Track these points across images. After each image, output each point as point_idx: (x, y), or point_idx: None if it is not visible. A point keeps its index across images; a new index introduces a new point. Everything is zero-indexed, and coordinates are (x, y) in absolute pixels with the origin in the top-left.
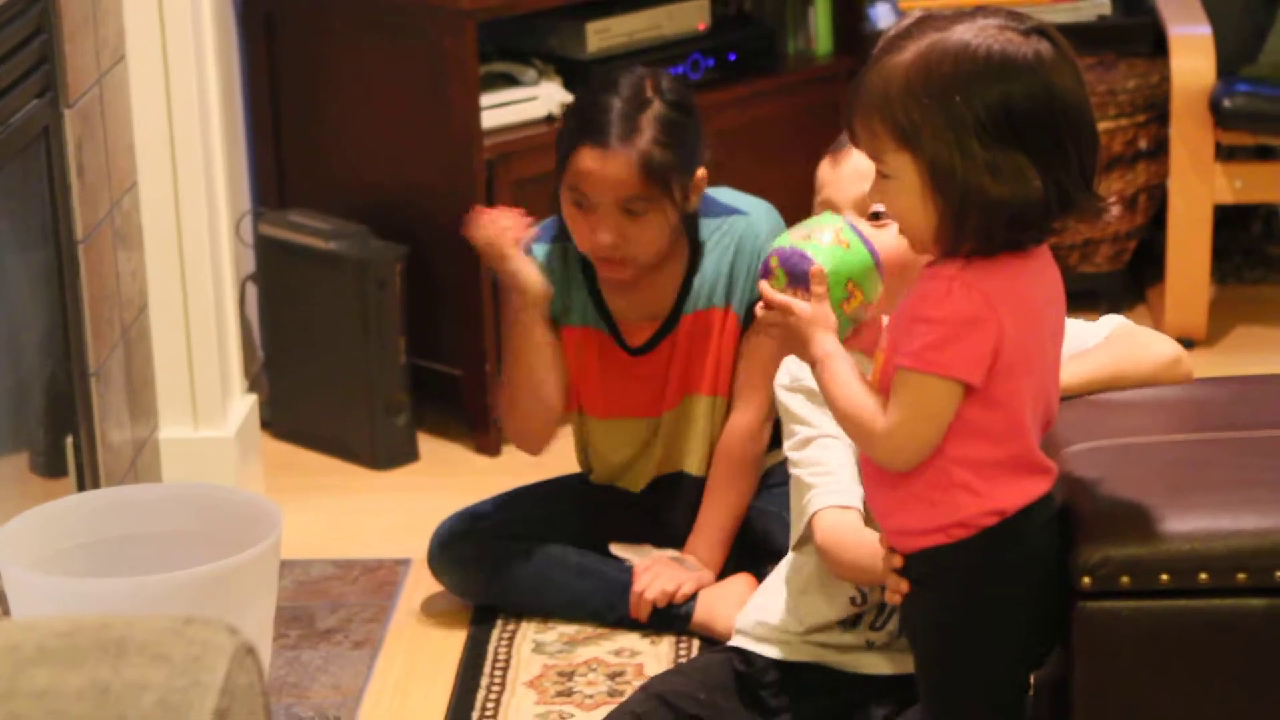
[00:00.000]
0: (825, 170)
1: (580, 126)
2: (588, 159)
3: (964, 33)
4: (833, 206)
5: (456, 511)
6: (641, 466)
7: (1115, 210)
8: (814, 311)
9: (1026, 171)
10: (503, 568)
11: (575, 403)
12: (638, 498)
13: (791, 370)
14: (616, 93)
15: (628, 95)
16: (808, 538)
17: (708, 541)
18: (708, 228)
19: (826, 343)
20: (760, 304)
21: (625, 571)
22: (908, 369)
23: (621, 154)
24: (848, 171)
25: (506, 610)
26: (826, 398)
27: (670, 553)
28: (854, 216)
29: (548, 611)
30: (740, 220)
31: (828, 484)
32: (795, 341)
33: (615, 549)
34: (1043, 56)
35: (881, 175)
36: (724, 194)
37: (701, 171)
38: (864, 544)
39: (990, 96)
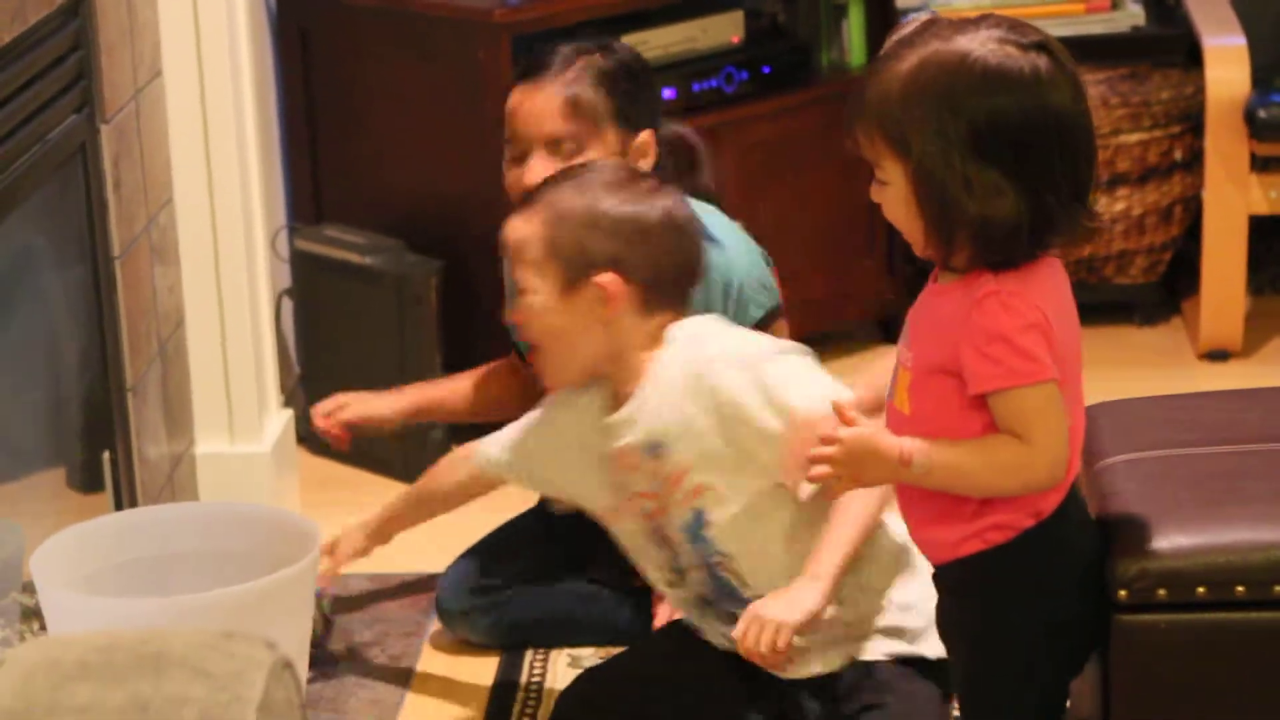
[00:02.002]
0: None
1: (518, 74)
2: (515, 96)
3: (964, 43)
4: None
5: (458, 580)
6: None
7: (1111, 230)
8: (865, 434)
9: (1002, 189)
10: (523, 617)
11: None
12: None
13: None
14: (559, 47)
15: (570, 47)
16: None
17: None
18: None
19: (908, 448)
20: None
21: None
22: (1015, 388)
23: (548, 88)
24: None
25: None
26: (963, 486)
27: None
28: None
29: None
30: (715, 252)
31: None
32: (870, 470)
33: None
34: (1040, 72)
35: (879, 181)
36: (704, 217)
37: (645, 135)
38: None
39: (980, 110)
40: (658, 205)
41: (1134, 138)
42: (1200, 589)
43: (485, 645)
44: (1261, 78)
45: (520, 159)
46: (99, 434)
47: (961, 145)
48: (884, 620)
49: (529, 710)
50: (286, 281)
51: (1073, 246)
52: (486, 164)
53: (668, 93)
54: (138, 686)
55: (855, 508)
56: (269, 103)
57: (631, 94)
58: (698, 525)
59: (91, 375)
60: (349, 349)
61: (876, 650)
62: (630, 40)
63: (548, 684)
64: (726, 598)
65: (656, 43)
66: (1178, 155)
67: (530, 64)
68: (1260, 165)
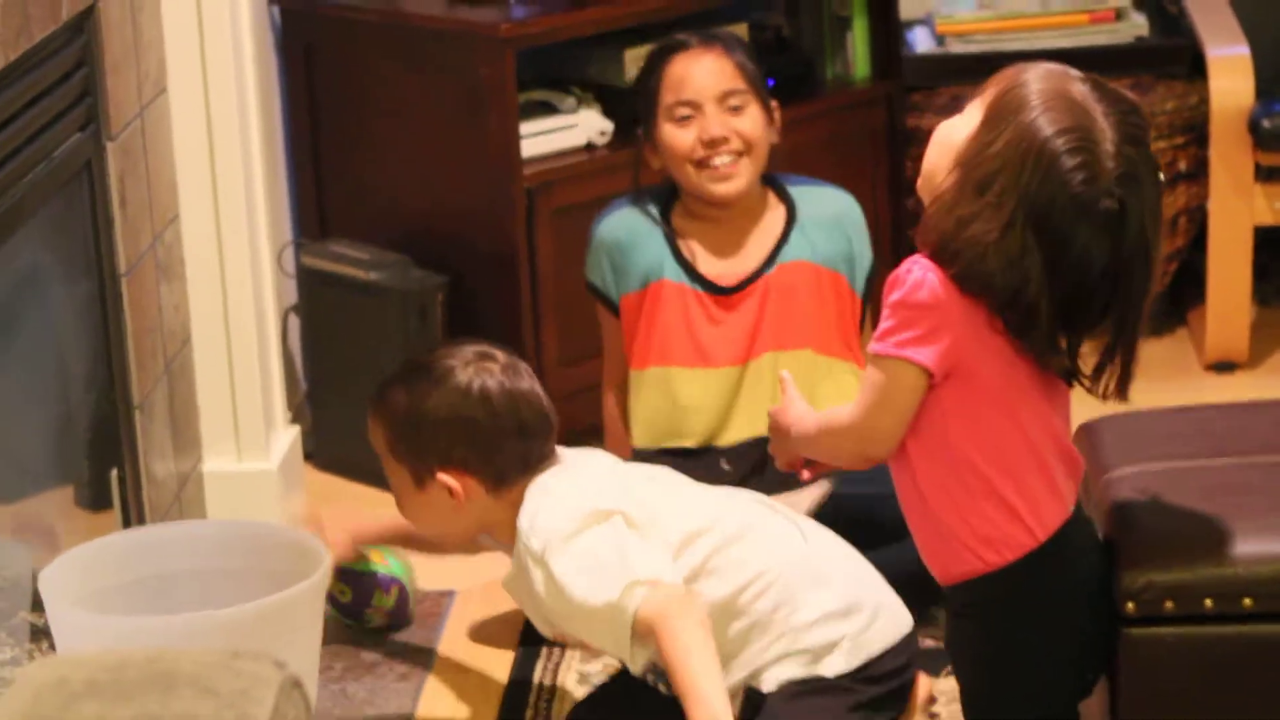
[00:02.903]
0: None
1: (661, 51)
2: (681, 64)
3: (1075, 142)
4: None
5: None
6: (729, 421)
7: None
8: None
9: (1027, 259)
10: None
11: (645, 360)
12: (729, 455)
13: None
14: (692, 31)
15: (700, 31)
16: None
17: None
18: (797, 191)
19: (795, 423)
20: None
21: None
22: (873, 355)
23: (712, 50)
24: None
25: None
26: (819, 453)
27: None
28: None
29: None
30: (835, 193)
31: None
32: (784, 443)
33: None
34: (1101, 211)
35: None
36: (806, 178)
37: (775, 102)
38: None
39: (1044, 188)
40: (476, 390)
41: None
42: (1207, 601)
43: None
44: (1266, 88)
45: (688, 120)
46: (106, 452)
47: (1018, 192)
48: (777, 648)
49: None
50: (293, 298)
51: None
52: (491, 179)
53: None
54: (146, 705)
55: (680, 650)
56: (274, 119)
57: (760, 71)
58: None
59: (98, 393)
60: (355, 365)
61: (771, 680)
62: (634, 54)
63: (556, 701)
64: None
65: None
66: (1182, 166)
67: (673, 42)
68: (1265, 175)
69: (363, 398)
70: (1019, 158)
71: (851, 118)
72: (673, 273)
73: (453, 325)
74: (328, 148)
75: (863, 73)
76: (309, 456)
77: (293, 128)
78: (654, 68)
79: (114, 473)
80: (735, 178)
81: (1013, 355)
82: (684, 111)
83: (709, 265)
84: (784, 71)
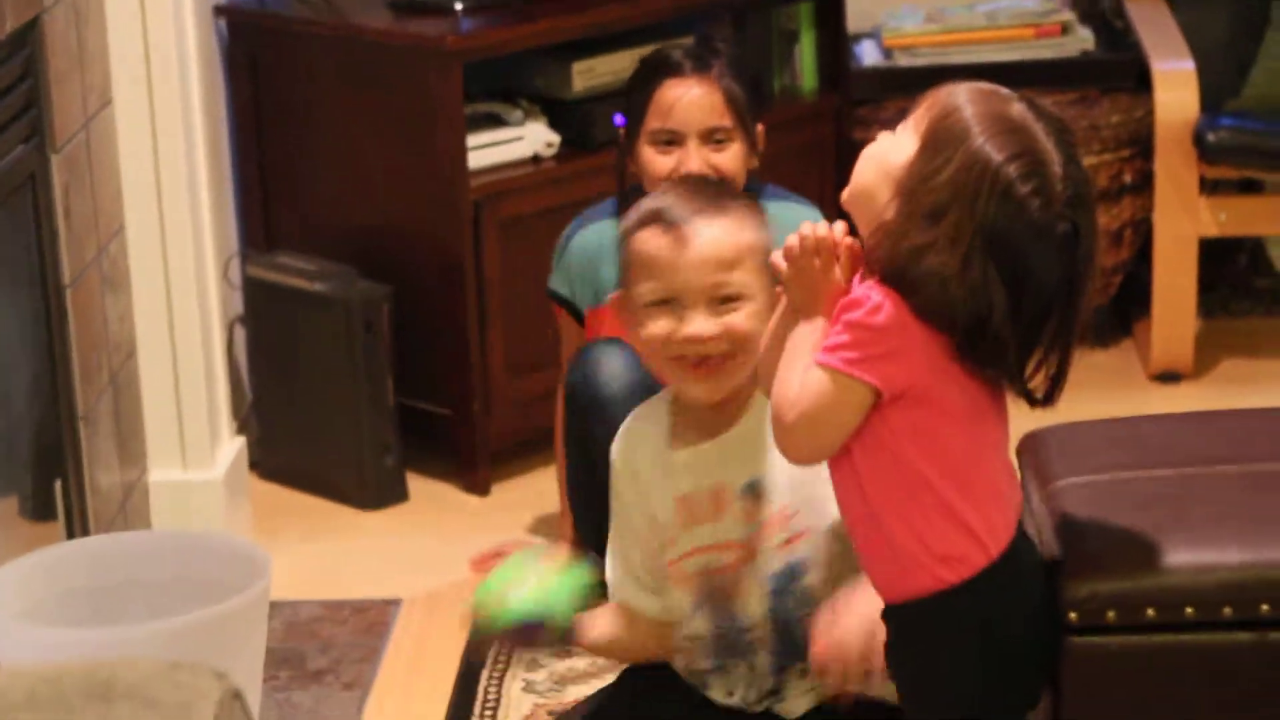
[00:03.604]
0: (665, 254)
1: (655, 68)
2: (672, 90)
3: (1026, 164)
4: (677, 294)
5: None
6: None
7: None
8: (836, 283)
9: (991, 288)
10: None
11: None
12: None
13: None
14: (682, 44)
15: (696, 41)
16: None
17: None
18: (774, 208)
19: (819, 318)
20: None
21: None
22: (819, 365)
23: (705, 81)
24: (696, 259)
25: None
26: (780, 355)
27: None
28: (705, 310)
29: None
30: (806, 209)
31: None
32: (808, 291)
33: None
34: (1054, 234)
35: (890, 129)
36: (781, 189)
37: (761, 126)
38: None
39: (993, 212)
40: None
41: (1085, 161)
42: (1150, 610)
43: None
44: (1210, 102)
45: (671, 146)
46: (50, 463)
47: (974, 219)
48: None
49: None
50: (238, 309)
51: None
52: (438, 191)
53: (619, 119)
54: (85, 717)
55: None
56: (220, 130)
57: (749, 85)
58: (790, 577)
59: (42, 404)
60: (301, 375)
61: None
62: (581, 67)
63: (501, 710)
64: (786, 652)
65: (607, 69)
66: (1127, 178)
67: (665, 60)
68: (1209, 188)
69: (308, 408)
70: (972, 186)
71: (799, 130)
72: None
73: (399, 335)
74: (274, 159)
75: (810, 85)
76: (254, 466)
77: (239, 140)
78: (645, 84)
79: (58, 484)
80: None
81: (967, 379)
82: (666, 139)
83: None
84: None
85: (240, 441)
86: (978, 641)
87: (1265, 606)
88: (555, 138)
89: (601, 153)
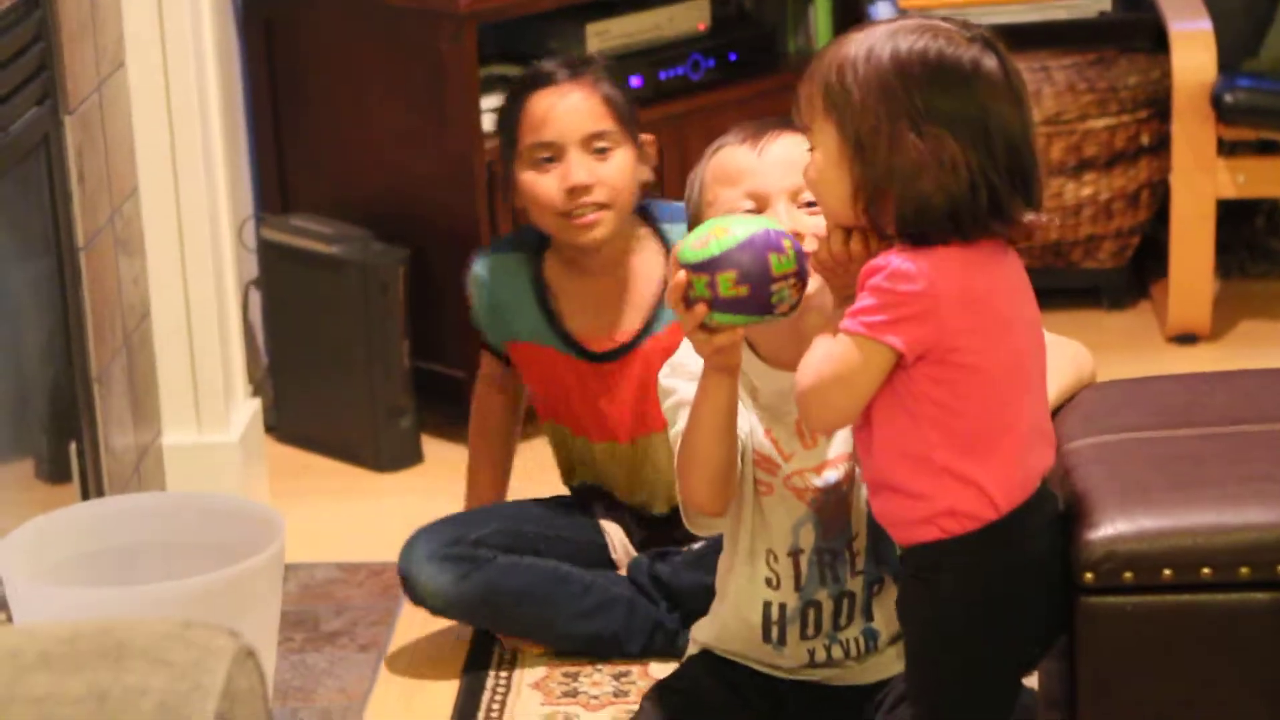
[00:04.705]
0: (744, 159)
1: (524, 83)
2: (543, 101)
3: (914, 31)
4: (760, 197)
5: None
6: (648, 490)
7: (1051, 226)
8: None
9: (956, 160)
10: (500, 586)
11: (544, 415)
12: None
13: (673, 358)
14: (550, 59)
15: (560, 57)
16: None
17: None
18: (677, 233)
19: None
20: (825, 241)
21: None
22: (843, 330)
23: (579, 86)
24: (776, 161)
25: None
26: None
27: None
28: (787, 205)
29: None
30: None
31: None
32: (847, 289)
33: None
34: (981, 64)
35: (810, 147)
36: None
37: (650, 136)
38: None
39: (924, 87)
40: None
41: (1101, 123)
42: (1166, 571)
43: (446, 611)
44: (1228, 62)
45: (550, 164)
46: (65, 426)
47: (911, 117)
48: None
49: (498, 698)
50: (253, 271)
51: (1015, 236)
52: (452, 153)
53: (634, 81)
54: (96, 676)
55: None
56: (234, 93)
57: (631, 102)
58: None
59: (57, 367)
60: (316, 338)
61: None
62: (596, 29)
63: (517, 672)
64: (880, 561)
65: (622, 31)
66: (1145, 140)
67: (537, 74)
68: (1227, 149)
69: (323, 371)
70: (879, 89)
71: None
72: (544, 337)
73: (414, 298)
74: (289, 122)
75: (824, 45)
76: (270, 429)
77: (253, 102)
78: (514, 104)
79: (73, 446)
80: (598, 226)
81: (1003, 333)
82: (545, 154)
83: (582, 325)
84: (745, 45)
85: (255, 404)
86: (976, 593)
87: None
88: None
89: None
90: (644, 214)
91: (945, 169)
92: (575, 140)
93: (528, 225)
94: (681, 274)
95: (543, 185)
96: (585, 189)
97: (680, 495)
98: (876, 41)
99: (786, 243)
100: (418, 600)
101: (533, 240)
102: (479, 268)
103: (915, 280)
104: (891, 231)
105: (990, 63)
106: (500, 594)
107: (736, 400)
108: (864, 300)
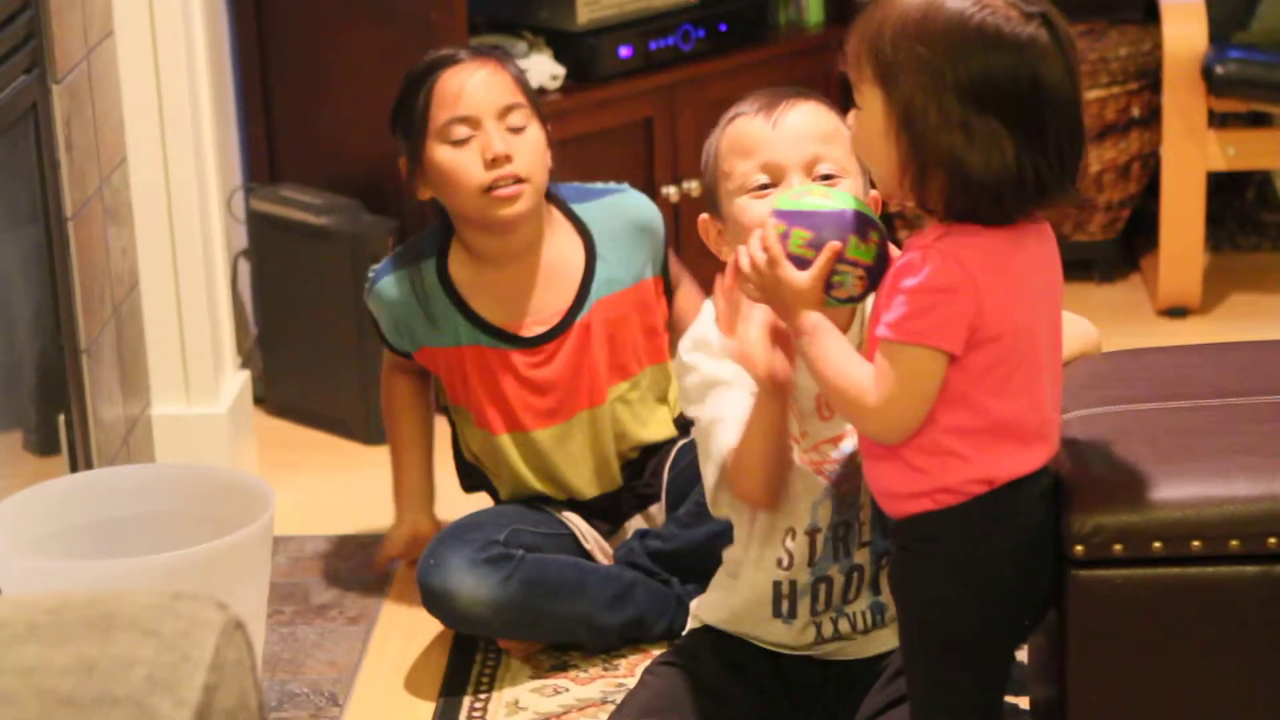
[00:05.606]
0: (758, 131)
1: (428, 66)
2: (455, 78)
3: (969, 2)
4: (775, 169)
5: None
6: (580, 472)
7: (1096, 201)
8: (809, 284)
9: (1002, 143)
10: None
11: (498, 427)
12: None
13: (693, 333)
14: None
15: (461, 45)
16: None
17: None
18: (588, 212)
19: (813, 315)
20: (742, 256)
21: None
22: (890, 341)
23: (485, 63)
24: (791, 133)
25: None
26: (813, 370)
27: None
28: (801, 179)
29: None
30: (617, 197)
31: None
32: (779, 307)
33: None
34: (1037, 42)
35: (855, 106)
36: (583, 186)
37: (548, 126)
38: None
39: (974, 64)
40: None
41: (1092, 94)
42: (1156, 544)
43: (488, 620)
44: (1219, 34)
45: (466, 142)
46: (54, 397)
47: (958, 92)
48: None
49: (488, 670)
50: (243, 242)
51: (1056, 213)
52: None
53: (625, 51)
54: (85, 647)
55: None
56: (223, 62)
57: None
58: None
59: (45, 338)
60: (306, 309)
61: None
62: None
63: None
64: (885, 531)
65: (612, 1)
66: (1135, 112)
67: (438, 58)
68: (1218, 121)
69: (313, 342)
70: (930, 69)
71: (803, 63)
72: (465, 336)
73: None
74: (278, 91)
75: (816, 18)
76: (259, 401)
77: (242, 71)
78: (418, 86)
79: (61, 417)
80: (519, 200)
81: (1031, 320)
82: (461, 131)
83: (506, 315)
84: (736, 16)
85: (244, 376)
86: (966, 565)
87: (1272, 540)
88: (560, 70)
89: (607, 85)
90: (550, 198)
91: (994, 152)
92: (491, 113)
93: (420, 234)
94: (771, 219)
95: (462, 161)
96: (506, 158)
97: (734, 490)
98: (929, 10)
99: (875, 235)
100: (450, 615)
101: (429, 247)
102: (379, 286)
103: (956, 288)
104: (934, 208)
105: (1044, 39)
106: (539, 591)
107: (788, 409)
108: (907, 306)
